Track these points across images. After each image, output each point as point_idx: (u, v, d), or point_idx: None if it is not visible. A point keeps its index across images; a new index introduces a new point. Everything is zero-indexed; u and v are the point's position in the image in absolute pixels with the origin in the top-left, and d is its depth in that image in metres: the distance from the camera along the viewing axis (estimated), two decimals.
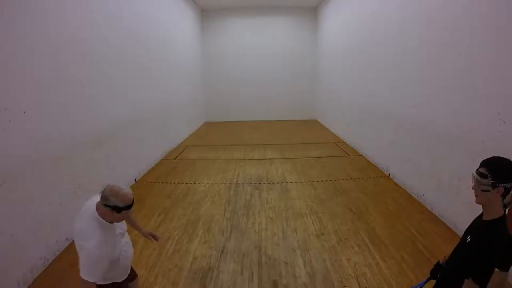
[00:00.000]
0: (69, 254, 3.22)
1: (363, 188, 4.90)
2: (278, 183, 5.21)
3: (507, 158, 1.35)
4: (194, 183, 5.26)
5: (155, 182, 5.37)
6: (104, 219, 1.63)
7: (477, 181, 1.39)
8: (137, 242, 3.40)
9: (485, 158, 1.42)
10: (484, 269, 1.33)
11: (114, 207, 1.57)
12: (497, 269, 1.35)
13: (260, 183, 5.20)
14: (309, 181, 5.24)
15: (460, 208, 3.39)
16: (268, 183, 5.22)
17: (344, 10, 8.24)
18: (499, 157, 1.38)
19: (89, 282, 1.54)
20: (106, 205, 1.57)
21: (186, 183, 5.26)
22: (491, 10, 2.94)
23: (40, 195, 3.04)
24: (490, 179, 1.33)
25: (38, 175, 3.00)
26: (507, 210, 2.30)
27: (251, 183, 5.21)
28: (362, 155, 6.83)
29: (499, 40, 2.84)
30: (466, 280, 1.36)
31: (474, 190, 1.42)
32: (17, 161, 2.76)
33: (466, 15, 3.31)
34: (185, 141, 8.90)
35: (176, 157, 7.09)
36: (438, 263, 1.84)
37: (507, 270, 1.37)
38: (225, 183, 5.23)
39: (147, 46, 6.18)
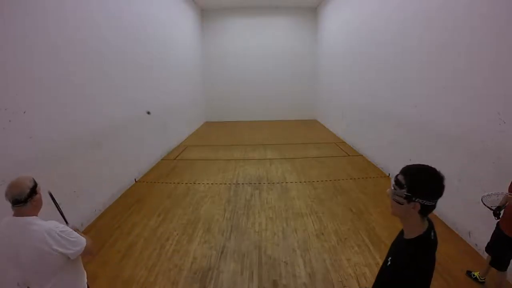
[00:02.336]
0: None
1: (363, 188, 4.90)
2: (278, 183, 5.21)
3: (433, 168, 1.14)
4: (194, 183, 5.25)
5: (155, 182, 5.37)
6: (37, 213, 1.59)
7: (391, 189, 1.18)
8: (137, 243, 3.41)
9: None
10: None
11: (34, 188, 1.54)
12: None
13: (260, 183, 5.20)
14: (309, 181, 5.24)
15: (460, 208, 3.39)
16: (268, 183, 5.22)
17: (344, 10, 8.24)
18: (423, 166, 1.16)
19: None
20: (31, 194, 1.51)
21: (186, 183, 5.26)
22: (491, 10, 2.94)
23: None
24: (405, 190, 1.13)
25: (38, 175, 2.99)
26: (501, 213, 2.33)
27: (251, 183, 5.20)
28: (362, 155, 6.83)
29: (499, 40, 2.84)
30: None
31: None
32: (17, 161, 2.76)
33: (466, 15, 3.31)
34: (185, 141, 8.90)
35: (176, 157, 7.09)
36: None
37: None
38: (225, 183, 5.23)
39: (147, 46, 6.18)
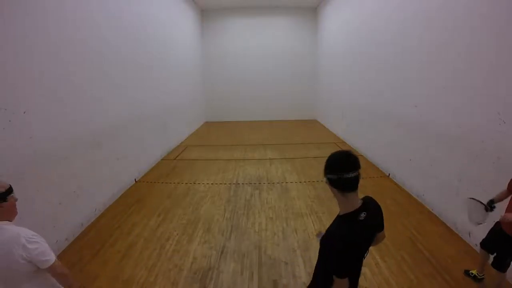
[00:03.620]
0: (69, 254, 3.22)
1: (363, 188, 4.86)
2: (278, 183, 5.21)
3: (346, 151, 1.31)
4: (194, 183, 5.25)
5: (155, 182, 5.37)
6: (11, 220, 1.56)
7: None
8: (137, 243, 3.41)
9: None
10: (341, 263, 1.27)
11: (2, 195, 1.50)
12: (335, 276, 1.28)
13: (260, 183, 5.20)
14: (309, 181, 5.24)
15: (460, 208, 3.38)
16: (268, 183, 5.22)
17: (344, 10, 8.24)
18: (335, 152, 1.34)
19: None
20: None
21: (186, 183, 5.26)
22: (491, 10, 2.94)
23: (40, 195, 3.04)
24: (325, 177, 1.31)
25: (38, 175, 3.00)
26: (495, 206, 2.36)
27: (251, 183, 5.21)
28: (362, 155, 6.82)
29: (499, 40, 2.84)
30: (334, 277, 1.29)
31: None
32: (17, 161, 2.76)
33: (466, 15, 3.31)
34: (185, 141, 8.90)
35: (176, 157, 7.09)
36: None
37: (341, 276, 1.28)
38: (225, 183, 5.23)
39: (147, 46, 6.18)
